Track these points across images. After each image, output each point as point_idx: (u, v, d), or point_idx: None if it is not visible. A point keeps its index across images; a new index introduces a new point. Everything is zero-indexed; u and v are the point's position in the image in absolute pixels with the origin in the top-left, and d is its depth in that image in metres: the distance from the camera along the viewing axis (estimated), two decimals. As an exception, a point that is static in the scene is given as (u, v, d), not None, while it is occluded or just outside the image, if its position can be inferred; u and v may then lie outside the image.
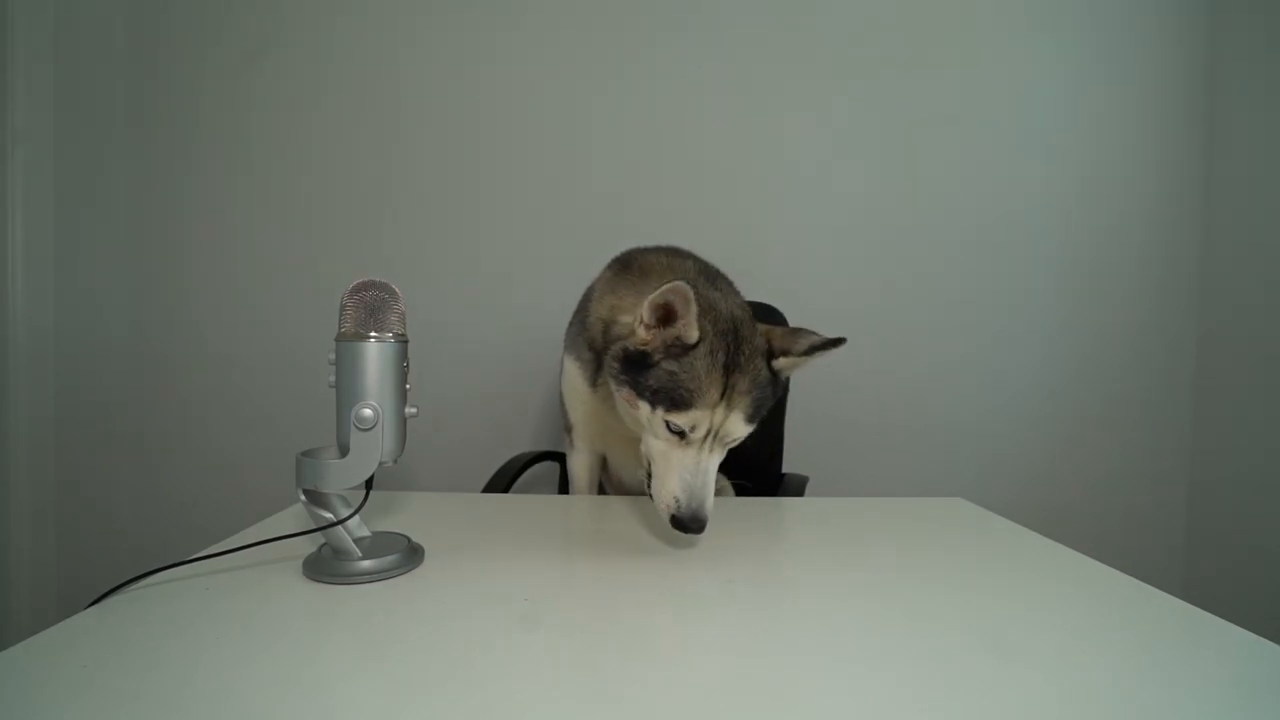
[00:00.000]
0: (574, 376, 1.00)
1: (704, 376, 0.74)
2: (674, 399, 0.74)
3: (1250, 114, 1.60)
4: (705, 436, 0.75)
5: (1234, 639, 0.52)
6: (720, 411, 0.75)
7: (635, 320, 0.78)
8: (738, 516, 0.94)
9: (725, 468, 1.22)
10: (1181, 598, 0.59)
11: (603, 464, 1.08)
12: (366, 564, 0.62)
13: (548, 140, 1.65)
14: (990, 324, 1.69)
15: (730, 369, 0.75)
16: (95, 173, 1.66)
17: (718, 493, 1.18)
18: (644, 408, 0.77)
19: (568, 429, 1.05)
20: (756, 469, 1.29)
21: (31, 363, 1.62)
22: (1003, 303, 1.69)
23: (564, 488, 1.17)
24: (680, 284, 0.72)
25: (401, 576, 0.63)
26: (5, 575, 1.59)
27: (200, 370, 1.67)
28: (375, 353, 0.62)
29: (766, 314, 1.39)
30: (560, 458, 1.36)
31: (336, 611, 0.56)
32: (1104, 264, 1.70)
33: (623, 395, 0.81)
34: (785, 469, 1.31)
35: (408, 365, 0.65)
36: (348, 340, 0.62)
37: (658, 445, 0.77)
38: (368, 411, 0.61)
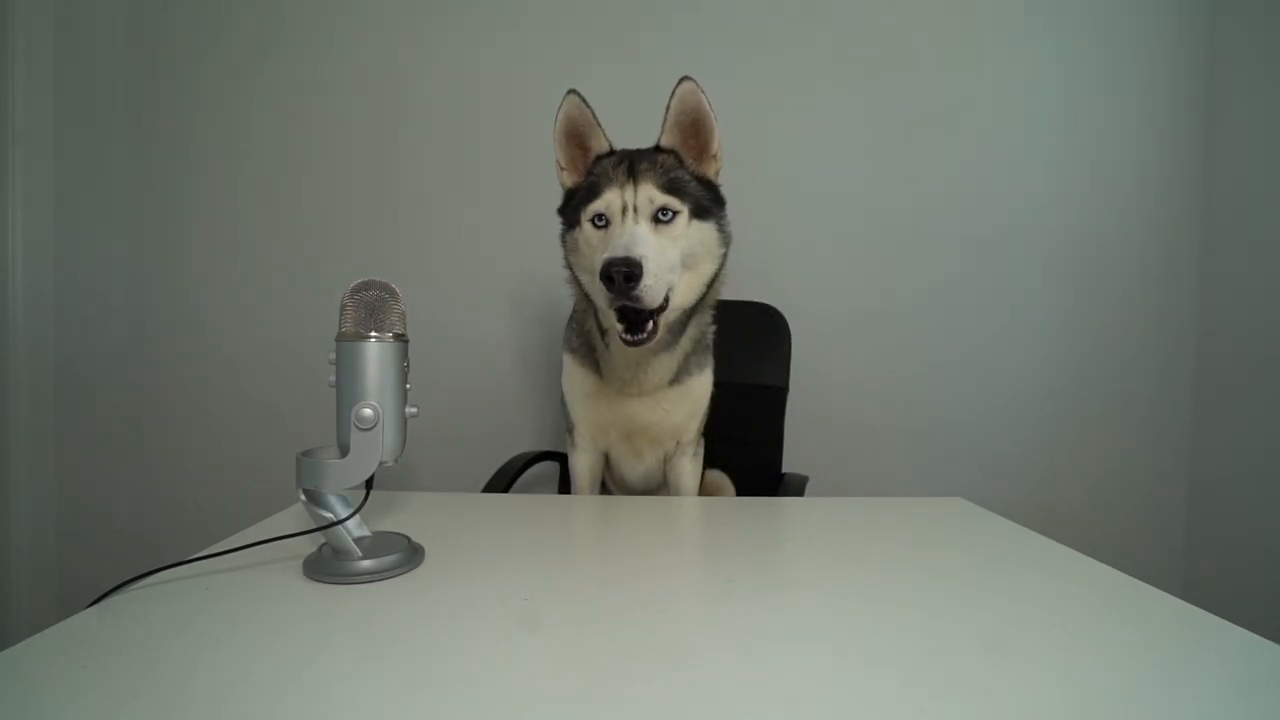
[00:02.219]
0: (573, 371, 1.01)
1: (611, 169, 0.88)
2: (590, 194, 0.88)
3: (1250, 114, 1.60)
4: (623, 211, 0.85)
5: (1234, 639, 0.52)
6: (629, 188, 0.86)
7: (557, 175, 0.96)
8: (738, 516, 0.94)
9: (725, 468, 1.23)
10: (1181, 598, 0.59)
11: (605, 463, 1.08)
12: (366, 564, 0.62)
13: (548, 140, 1.65)
14: (990, 324, 1.69)
15: (635, 159, 0.88)
16: (95, 173, 1.66)
17: (717, 492, 1.19)
18: (578, 236, 0.90)
19: (569, 428, 1.05)
20: (757, 469, 1.29)
21: (31, 363, 1.62)
22: (1002, 302, 1.69)
23: (565, 487, 1.17)
24: (570, 97, 0.91)
25: (401, 576, 0.62)
26: (5, 575, 1.59)
27: (200, 370, 1.67)
28: (375, 352, 0.62)
29: (766, 313, 1.39)
30: (561, 457, 1.36)
31: (336, 611, 0.56)
32: (1104, 264, 1.70)
33: (566, 251, 0.95)
34: (785, 469, 1.31)
35: (408, 365, 0.65)
36: (348, 340, 0.62)
37: (588, 254, 0.88)
38: (368, 411, 0.61)
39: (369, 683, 0.44)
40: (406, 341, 0.65)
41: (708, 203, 0.91)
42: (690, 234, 0.88)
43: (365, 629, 0.53)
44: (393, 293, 0.64)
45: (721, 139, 0.93)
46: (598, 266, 0.79)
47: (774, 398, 1.33)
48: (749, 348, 1.34)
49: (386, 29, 1.64)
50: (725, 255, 0.94)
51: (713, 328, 1.02)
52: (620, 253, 0.78)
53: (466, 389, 1.65)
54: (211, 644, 0.49)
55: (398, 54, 1.64)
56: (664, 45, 1.64)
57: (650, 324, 0.83)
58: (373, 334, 0.62)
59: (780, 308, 1.39)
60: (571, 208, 0.94)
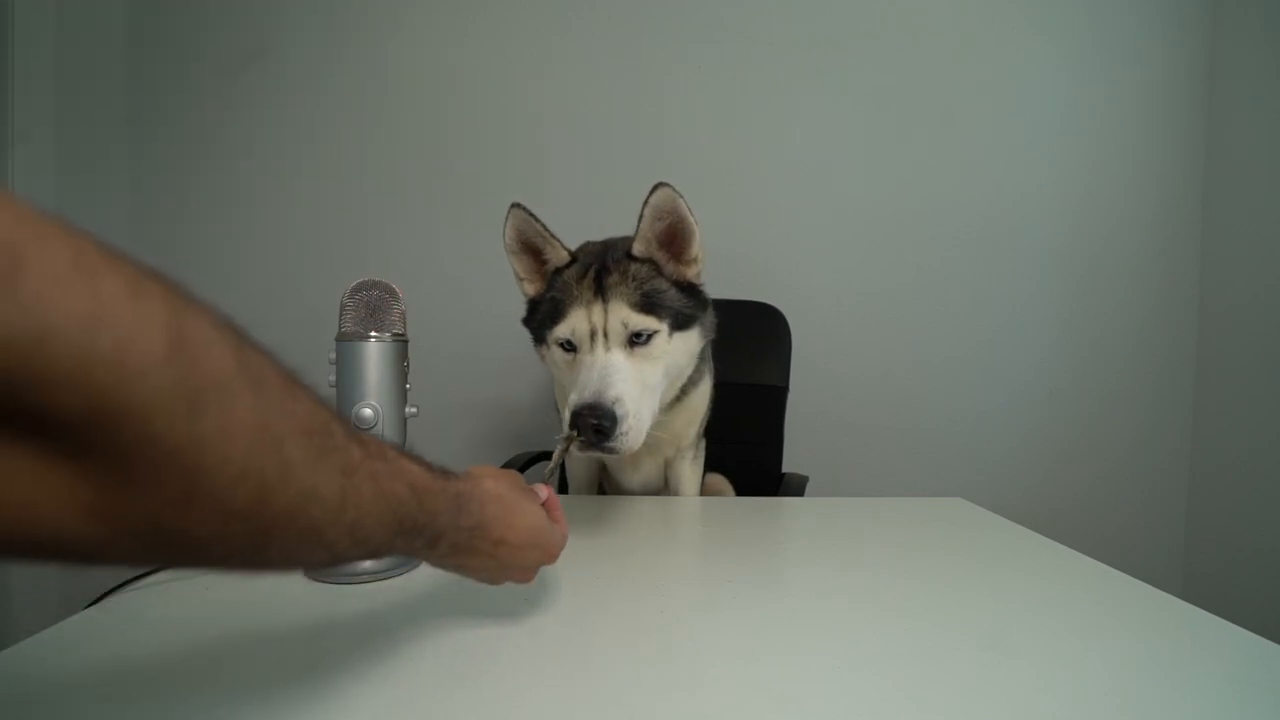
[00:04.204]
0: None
1: (575, 284, 0.77)
2: (554, 314, 0.77)
3: (1250, 114, 1.60)
4: (592, 336, 0.75)
5: (1234, 639, 0.52)
6: (598, 309, 0.75)
7: (519, 284, 0.85)
8: (738, 516, 0.94)
9: (725, 469, 1.23)
10: (1181, 598, 0.59)
11: (601, 466, 1.07)
12: (366, 564, 0.62)
13: (548, 140, 1.65)
14: (990, 323, 1.69)
15: (602, 272, 0.77)
16: (95, 173, 1.65)
17: (717, 493, 1.18)
18: (546, 354, 0.81)
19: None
20: (757, 469, 1.29)
21: (31, 363, 1.61)
22: (1002, 302, 1.69)
23: (563, 488, 1.17)
24: (515, 211, 0.80)
25: (401, 576, 0.63)
26: (5, 575, 1.59)
27: (200, 370, 1.67)
28: (375, 352, 0.62)
29: (766, 313, 1.39)
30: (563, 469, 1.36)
31: (336, 611, 0.56)
32: (1104, 264, 1.70)
33: (540, 354, 0.84)
34: (785, 469, 1.31)
35: (408, 365, 0.65)
36: (348, 340, 0.62)
37: (561, 375, 0.79)
38: (368, 411, 0.61)
39: (369, 683, 0.44)
40: (406, 341, 0.65)
41: (689, 311, 0.80)
42: (672, 349, 0.78)
43: (365, 629, 0.53)
44: (393, 293, 0.64)
45: (703, 241, 0.82)
46: (569, 406, 0.69)
47: (774, 398, 1.33)
48: (749, 348, 1.34)
49: (386, 29, 1.64)
50: (705, 347, 0.87)
51: (714, 321, 0.95)
52: (589, 396, 0.68)
53: (466, 389, 1.65)
54: (211, 644, 0.49)
55: (399, 54, 1.64)
56: (664, 45, 1.64)
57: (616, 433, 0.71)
58: (373, 334, 0.62)
59: (780, 308, 1.39)
60: (536, 323, 0.82)
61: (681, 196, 0.78)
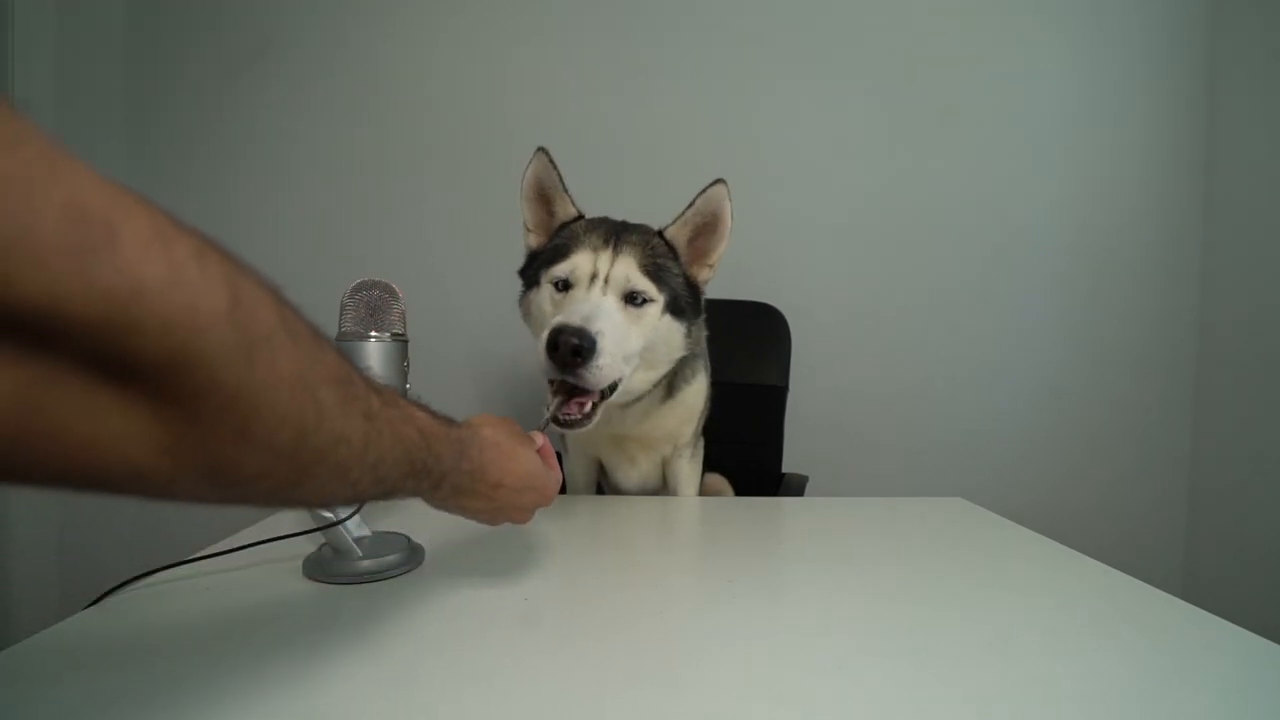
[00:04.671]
0: None
1: (584, 232, 0.79)
2: (555, 257, 0.78)
3: (1251, 114, 1.60)
4: (593, 279, 0.75)
5: (1234, 639, 0.52)
6: (606, 256, 0.75)
7: (524, 236, 0.87)
8: (738, 516, 0.94)
9: (725, 469, 1.23)
10: (1181, 598, 0.59)
11: (600, 466, 1.07)
12: (366, 564, 0.62)
13: (548, 139, 1.65)
14: (990, 323, 1.69)
15: (619, 229, 0.80)
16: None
17: (717, 492, 1.18)
18: (534, 297, 0.81)
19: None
20: (757, 469, 1.29)
21: (31, 363, 1.61)
22: (1003, 302, 1.69)
23: (563, 488, 1.17)
24: (539, 155, 0.82)
25: (401, 576, 0.63)
26: (5, 575, 1.59)
27: (200, 370, 1.67)
28: (375, 352, 0.62)
29: (766, 313, 1.39)
30: (559, 458, 1.36)
31: (336, 611, 0.56)
32: (1104, 264, 1.69)
33: (525, 306, 0.84)
34: (785, 469, 1.31)
35: (408, 365, 0.65)
36: (348, 340, 0.62)
37: (542, 317, 0.77)
38: (368, 411, 0.61)
39: (369, 683, 0.44)
40: (406, 341, 0.65)
41: (686, 303, 0.82)
42: (659, 328, 0.78)
43: (365, 629, 0.53)
44: (393, 293, 0.64)
45: (724, 252, 0.86)
46: (545, 333, 0.68)
47: (774, 398, 1.33)
48: (749, 348, 1.34)
49: (387, 29, 1.64)
50: (683, 358, 0.87)
51: (704, 334, 0.95)
52: (575, 320, 0.68)
53: (466, 389, 1.65)
54: (211, 644, 0.49)
55: (399, 53, 1.64)
56: (664, 45, 1.64)
57: (590, 405, 0.72)
58: (372, 334, 0.62)
59: (780, 308, 1.39)
60: (533, 270, 0.84)
61: (730, 200, 0.83)
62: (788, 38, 1.65)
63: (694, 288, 0.85)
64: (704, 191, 0.82)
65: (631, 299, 0.76)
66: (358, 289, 0.63)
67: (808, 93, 1.66)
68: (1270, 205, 1.54)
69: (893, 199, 1.67)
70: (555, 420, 0.71)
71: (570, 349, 0.66)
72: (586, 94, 1.64)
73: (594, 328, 0.67)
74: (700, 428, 1.03)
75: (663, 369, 0.84)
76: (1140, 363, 1.71)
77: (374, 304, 0.63)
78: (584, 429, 0.73)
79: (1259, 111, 1.57)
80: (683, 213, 0.83)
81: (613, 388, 0.74)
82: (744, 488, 1.21)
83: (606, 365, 0.68)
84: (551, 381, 0.71)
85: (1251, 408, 1.56)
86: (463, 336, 1.64)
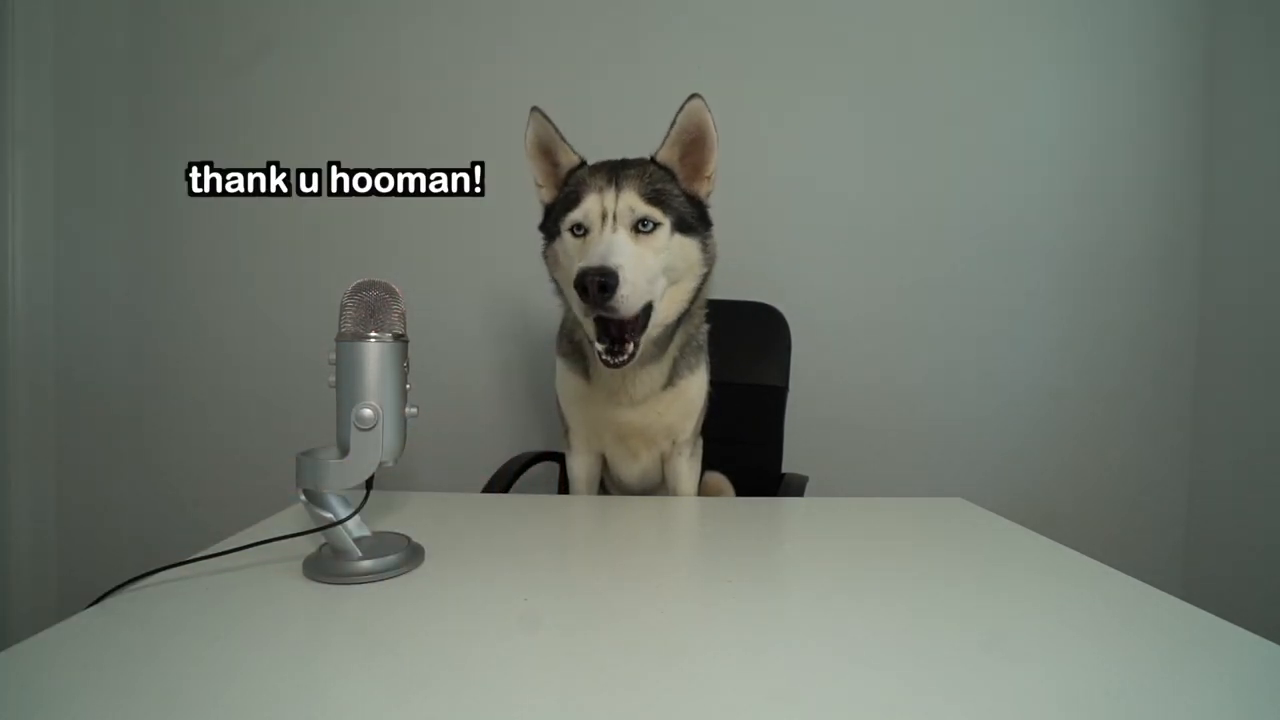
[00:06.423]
0: (565, 376, 1.01)
1: (588, 177, 0.86)
2: (568, 204, 0.86)
3: (1250, 114, 1.60)
4: (603, 219, 0.83)
5: (1234, 639, 0.52)
6: (610, 194, 0.84)
7: (536, 193, 0.94)
8: (738, 516, 0.94)
9: (725, 469, 1.23)
10: (1181, 598, 0.59)
11: (603, 464, 1.08)
12: (366, 564, 0.62)
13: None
14: (990, 323, 1.69)
15: (617, 167, 0.87)
16: (95, 173, 1.65)
17: (717, 492, 1.18)
18: (559, 247, 0.88)
19: (565, 432, 1.05)
20: (757, 469, 1.29)
21: (32, 364, 1.62)
22: (1002, 302, 1.69)
23: (564, 488, 1.17)
24: (535, 114, 0.90)
25: (401, 576, 0.62)
26: (5, 575, 1.59)
27: (200, 370, 1.67)
28: (375, 353, 0.62)
29: (766, 313, 1.39)
30: (560, 458, 1.36)
31: (336, 611, 0.56)
32: (1104, 264, 1.69)
33: (550, 259, 0.92)
34: (785, 469, 1.31)
35: (408, 365, 0.65)
36: (348, 340, 0.62)
37: (569, 264, 0.84)
38: (368, 411, 0.61)
39: (369, 683, 0.44)
40: (406, 341, 0.65)
41: (692, 220, 0.89)
42: (672, 247, 0.85)
43: (365, 629, 0.53)
44: (393, 293, 0.64)
45: (719, 162, 0.91)
46: (574, 276, 0.77)
47: (774, 398, 1.33)
48: (749, 348, 1.34)
49: (386, 28, 1.64)
50: (708, 274, 0.92)
51: (705, 327, 1.01)
52: (595, 261, 0.76)
53: (467, 389, 1.65)
54: (211, 644, 0.49)
55: (398, 52, 1.64)
56: (663, 46, 1.64)
57: (631, 345, 0.81)
58: (373, 334, 0.62)
59: (780, 308, 1.39)
60: (551, 221, 0.91)
61: (710, 111, 0.88)
62: (786, 39, 1.65)
63: (698, 204, 0.91)
64: (682, 107, 0.88)
65: (640, 227, 0.83)
66: (358, 289, 0.63)
67: (807, 92, 1.66)
68: (1269, 203, 1.54)
69: (892, 199, 1.67)
70: (604, 361, 0.81)
71: (598, 287, 0.74)
72: (586, 94, 1.64)
73: (613, 263, 0.76)
74: (699, 426, 1.04)
75: (689, 287, 0.90)
76: (1140, 362, 1.71)
77: (374, 304, 0.63)
78: (629, 365, 0.83)
79: (1258, 111, 1.57)
80: (667, 133, 0.89)
81: (648, 317, 0.83)
82: (744, 488, 1.21)
83: (632, 293, 0.77)
84: (595, 323, 0.81)
85: (1251, 406, 1.56)
86: (463, 336, 1.64)
